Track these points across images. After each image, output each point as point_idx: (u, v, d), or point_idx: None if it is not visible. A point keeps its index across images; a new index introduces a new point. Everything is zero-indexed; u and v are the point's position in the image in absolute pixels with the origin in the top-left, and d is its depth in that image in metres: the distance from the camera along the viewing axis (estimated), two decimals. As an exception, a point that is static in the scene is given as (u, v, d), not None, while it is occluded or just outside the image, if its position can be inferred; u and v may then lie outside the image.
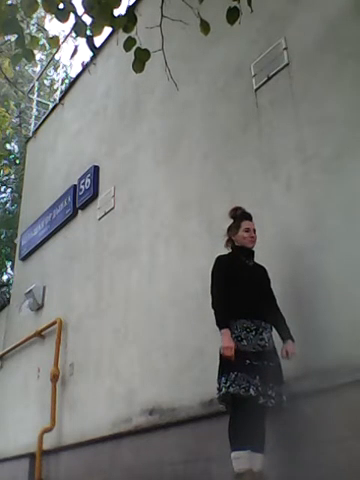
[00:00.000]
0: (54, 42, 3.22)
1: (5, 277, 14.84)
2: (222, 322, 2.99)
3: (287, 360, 3.01)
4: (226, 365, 2.93)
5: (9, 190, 15.01)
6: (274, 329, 3.12)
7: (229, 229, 3.37)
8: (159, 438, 4.02)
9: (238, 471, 2.75)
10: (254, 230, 3.31)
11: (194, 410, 3.72)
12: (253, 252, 3.30)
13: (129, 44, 2.91)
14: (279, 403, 2.90)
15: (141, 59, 2.91)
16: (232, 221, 3.38)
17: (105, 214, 5.84)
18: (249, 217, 3.35)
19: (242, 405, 2.83)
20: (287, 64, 3.88)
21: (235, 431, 2.85)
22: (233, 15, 2.89)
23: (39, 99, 10.12)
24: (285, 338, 3.07)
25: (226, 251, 3.37)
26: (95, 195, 6.15)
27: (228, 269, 3.17)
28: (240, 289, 3.09)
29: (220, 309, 3.04)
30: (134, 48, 2.94)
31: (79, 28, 2.75)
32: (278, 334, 3.11)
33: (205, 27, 2.99)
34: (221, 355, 2.98)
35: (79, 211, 6.50)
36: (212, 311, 3.07)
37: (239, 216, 3.35)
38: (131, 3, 3.56)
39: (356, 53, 3.33)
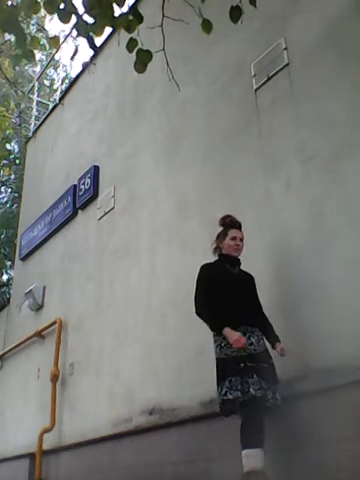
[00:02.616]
0: (54, 42, 3.22)
1: (5, 277, 14.83)
2: (218, 324, 3.01)
3: (282, 358, 3.03)
4: (221, 373, 2.96)
5: (9, 190, 15.00)
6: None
7: (217, 237, 3.42)
8: (159, 438, 4.02)
9: (248, 470, 2.73)
10: (241, 239, 3.34)
11: (194, 410, 3.72)
12: (239, 260, 3.32)
13: (131, 45, 2.90)
14: (274, 403, 2.91)
15: (143, 60, 2.89)
16: (221, 229, 3.41)
17: (105, 214, 5.84)
18: (237, 225, 3.38)
19: (247, 406, 2.84)
20: (287, 64, 3.88)
21: (248, 430, 2.84)
22: (236, 13, 2.88)
23: (39, 99, 10.11)
24: (274, 342, 3.10)
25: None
26: (95, 195, 6.16)
27: (212, 277, 3.20)
28: (223, 297, 3.10)
29: (211, 314, 3.07)
30: (136, 49, 2.93)
31: (80, 28, 2.74)
32: (267, 341, 3.12)
33: (207, 26, 2.96)
34: (217, 364, 3.01)
35: (79, 211, 6.50)
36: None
37: (227, 224, 3.39)
38: (132, 3, 3.54)
39: (356, 53, 3.33)
